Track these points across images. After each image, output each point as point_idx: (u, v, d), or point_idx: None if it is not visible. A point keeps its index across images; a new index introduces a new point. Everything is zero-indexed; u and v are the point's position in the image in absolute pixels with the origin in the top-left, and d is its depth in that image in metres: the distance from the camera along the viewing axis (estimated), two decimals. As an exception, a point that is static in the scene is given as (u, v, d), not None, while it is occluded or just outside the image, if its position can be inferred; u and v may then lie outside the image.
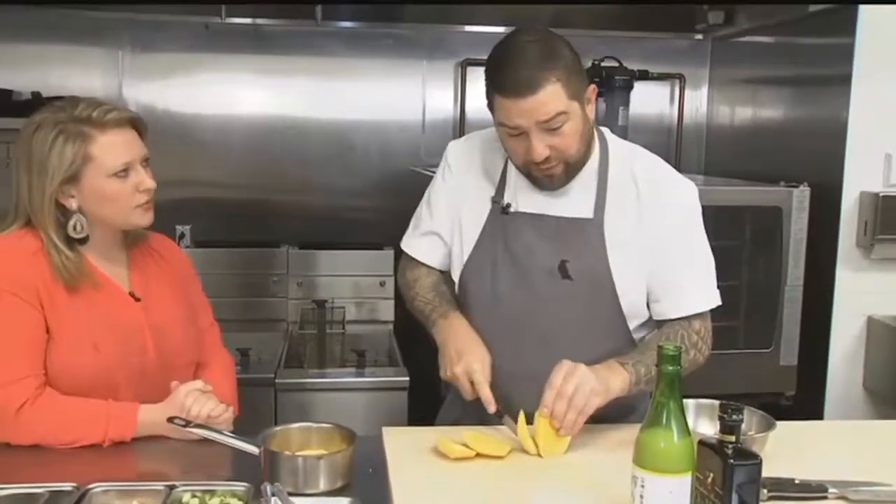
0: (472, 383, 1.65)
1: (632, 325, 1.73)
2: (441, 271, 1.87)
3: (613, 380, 1.60)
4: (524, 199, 1.73)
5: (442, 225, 1.82)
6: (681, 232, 1.70)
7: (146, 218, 1.72)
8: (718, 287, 1.73)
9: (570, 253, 1.68)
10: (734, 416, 1.21)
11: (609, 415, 1.65)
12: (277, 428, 1.52)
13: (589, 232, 1.69)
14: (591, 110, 1.65)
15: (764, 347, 2.84)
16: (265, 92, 3.55)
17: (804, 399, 2.90)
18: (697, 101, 3.77)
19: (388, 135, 3.64)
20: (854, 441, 1.74)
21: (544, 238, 1.71)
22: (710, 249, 1.75)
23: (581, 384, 1.55)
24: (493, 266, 1.74)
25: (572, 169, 1.66)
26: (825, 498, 1.40)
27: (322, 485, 1.42)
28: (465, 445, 1.55)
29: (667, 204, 1.69)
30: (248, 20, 3.52)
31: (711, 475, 1.23)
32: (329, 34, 3.56)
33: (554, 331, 1.70)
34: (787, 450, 1.56)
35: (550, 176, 1.65)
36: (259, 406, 2.83)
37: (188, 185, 3.51)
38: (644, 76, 3.57)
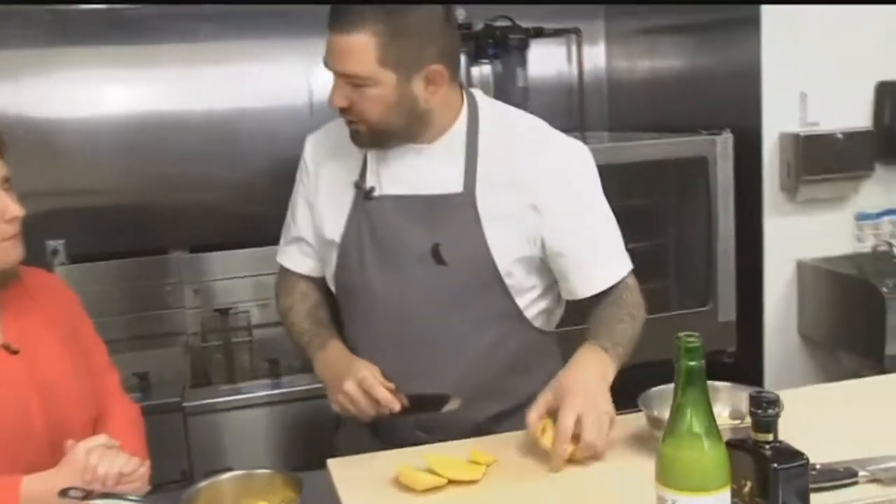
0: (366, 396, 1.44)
1: (522, 303, 1.53)
2: (321, 284, 1.68)
3: (604, 376, 1.41)
4: (388, 180, 1.53)
5: (304, 227, 1.64)
6: (575, 200, 1.52)
7: (15, 253, 1.38)
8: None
9: (443, 234, 1.48)
10: (770, 410, 1.00)
11: None
12: (202, 483, 1.22)
13: (460, 208, 1.48)
14: (431, 91, 1.44)
15: (701, 306, 2.68)
16: (133, 86, 3.15)
17: (744, 354, 2.76)
18: (597, 56, 3.59)
19: (274, 122, 3.28)
20: (834, 408, 1.56)
21: (412, 221, 1.50)
22: (609, 212, 1.56)
23: (601, 419, 1.34)
24: (361, 258, 1.53)
25: (380, 134, 1.47)
26: (856, 483, 1.21)
27: (271, 550, 1.14)
28: (432, 471, 1.29)
29: (553, 171, 1.50)
30: (103, 6, 3.10)
31: (749, 484, 1.01)
32: (201, 16, 3.18)
33: (434, 323, 1.50)
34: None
35: (355, 132, 1.47)
36: (167, 436, 2.49)
37: (55, 196, 3.07)
38: (539, 33, 3.37)
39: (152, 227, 3.19)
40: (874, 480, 1.21)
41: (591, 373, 1.39)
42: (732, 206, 2.69)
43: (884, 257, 2.77)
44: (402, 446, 1.45)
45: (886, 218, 2.85)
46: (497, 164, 1.50)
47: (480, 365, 1.52)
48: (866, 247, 2.83)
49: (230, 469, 2.45)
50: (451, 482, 1.28)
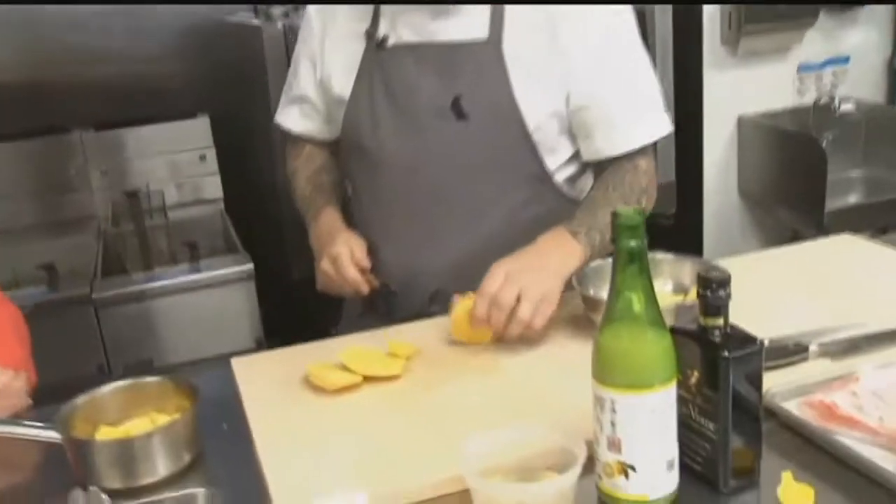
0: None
1: (551, 164, 1.37)
2: (328, 147, 1.53)
3: (564, 262, 1.23)
4: (404, 27, 1.36)
5: (307, 85, 1.47)
6: (610, 49, 1.33)
7: None
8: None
9: (464, 86, 1.31)
10: (720, 292, 0.86)
11: None
12: (80, 399, 1.06)
13: (485, 56, 1.31)
14: None
15: (638, 167, 2.54)
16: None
17: (683, 216, 2.66)
18: None
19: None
20: (779, 275, 1.45)
21: (431, 71, 1.33)
22: (651, 68, 1.38)
23: (526, 290, 1.17)
24: (373, 115, 1.37)
25: None
26: (806, 359, 1.10)
27: (160, 469, 1.00)
28: (345, 369, 1.15)
29: (583, 11, 1.31)
30: None
31: (696, 374, 0.88)
32: None
33: (453, 187, 1.35)
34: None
35: None
36: (80, 331, 2.32)
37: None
38: None
39: (49, 105, 2.90)
40: (825, 355, 1.10)
41: (544, 253, 1.24)
42: (671, 62, 2.52)
43: (825, 110, 2.65)
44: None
45: (829, 68, 2.72)
46: (530, 8, 1.32)
47: (502, 233, 1.35)
48: (808, 100, 2.70)
49: (151, 362, 2.40)
50: (366, 379, 1.14)
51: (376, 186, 1.41)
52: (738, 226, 2.76)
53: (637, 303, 0.83)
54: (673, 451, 0.86)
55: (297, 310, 2.86)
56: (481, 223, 1.36)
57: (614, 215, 0.82)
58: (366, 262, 1.35)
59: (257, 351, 1.48)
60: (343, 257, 1.33)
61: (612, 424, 0.84)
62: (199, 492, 0.92)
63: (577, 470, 0.82)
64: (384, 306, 1.42)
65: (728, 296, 0.86)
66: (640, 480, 0.84)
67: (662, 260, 1.27)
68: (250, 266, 2.48)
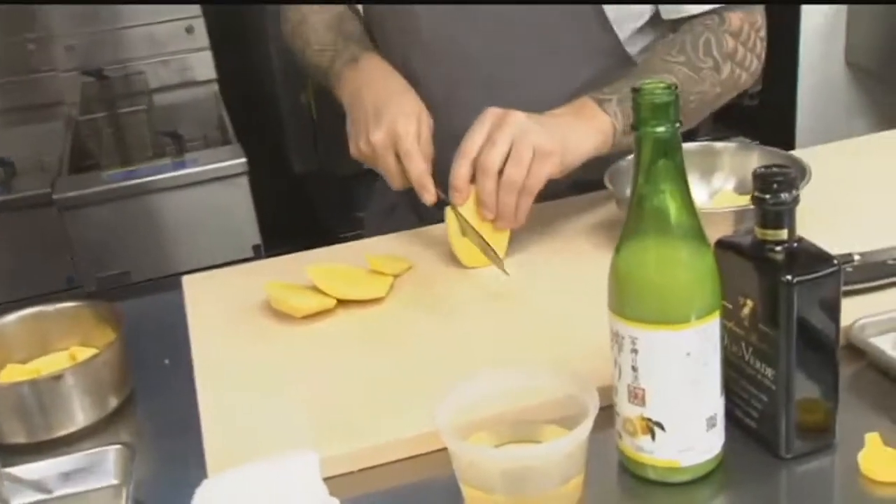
0: (398, 157, 1.16)
1: (624, 33, 1.25)
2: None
3: (582, 129, 1.11)
4: None
5: None
6: None
7: None
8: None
9: None
10: (782, 194, 0.74)
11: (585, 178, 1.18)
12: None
13: None
14: None
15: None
16: None
17: (771, 93, 2.49)
18: None
19: None
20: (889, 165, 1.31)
21: None
22: None
23: (518, 139, 1.06)
24: None
25: None
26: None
27: (79, 418, 0.93)
28: (317, 289, 1.06)
29: None
30: None
31: (750, 303, 0.77)
32: None
33: (503, 63, 1.24)
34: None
35: None
36: (43, 241, 2.28)
37: None
38: None
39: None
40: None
41: (557, 117, 1.12)
42: None
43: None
44: None
45: None
46: None
47: None
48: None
49: (127, 274, 2.36)
50: (340, 303, 1.06)
51: (406, 63, 1.28)
52: (844, 105, 2.58)
53: (666, 210, 0.71)
54: (714, 406, 0.75)
55: (300, 211, 2.80)
56: (537, 109, 1.17)
57: (635, 91, 0.70)
58: (431, 151, 1.18)
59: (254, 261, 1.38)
60: (408, 142, 1.15)
61: (634, 370, 0.74)
62: (111, 449, 0.85)
63: (587, 426, 0.73)
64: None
65: (795, 199, 0.74)
66: (669, 442, 0.75)
67: (723, 150, 1.14)
68: (242, 161, 2.39)
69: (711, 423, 0.75)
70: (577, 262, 1.12)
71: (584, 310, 0.91)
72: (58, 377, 0.92)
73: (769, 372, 0.77)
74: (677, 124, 0.70)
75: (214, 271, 1.23)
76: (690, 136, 1.30)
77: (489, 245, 1.11)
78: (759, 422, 0.79)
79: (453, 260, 1.15)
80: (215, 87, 2.87)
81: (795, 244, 0.75)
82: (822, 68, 2.54)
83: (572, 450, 0.74)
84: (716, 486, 0.77)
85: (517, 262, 1.13)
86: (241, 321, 1.07)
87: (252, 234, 2.44)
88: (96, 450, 0.85)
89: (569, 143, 1.09)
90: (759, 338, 0.77)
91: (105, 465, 0.85)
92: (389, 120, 1.16)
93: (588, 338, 0.88)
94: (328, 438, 0.84)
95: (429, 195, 1.14)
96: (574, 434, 0.73)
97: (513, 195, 1.08)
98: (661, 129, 0.70)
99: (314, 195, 2.85)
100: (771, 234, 0.75)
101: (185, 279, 1.18)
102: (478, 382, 0.79)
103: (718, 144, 1.13)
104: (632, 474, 0.78)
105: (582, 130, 1.11)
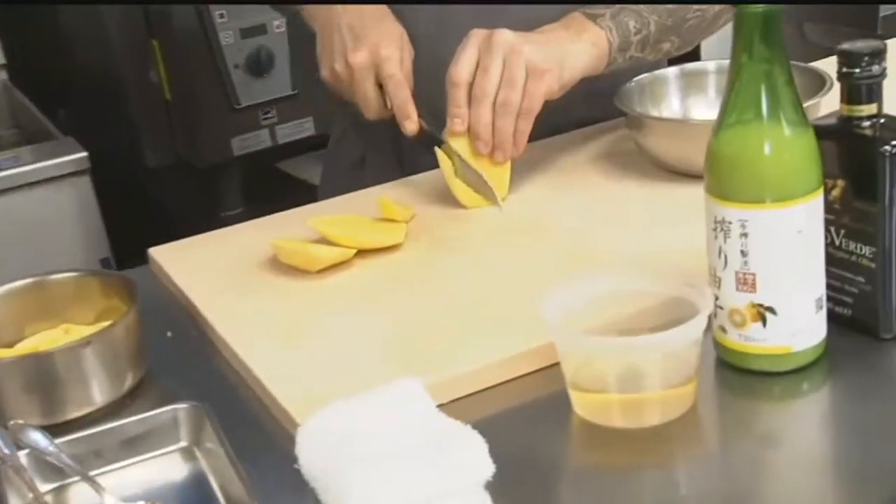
0: (379, 86, 1.22)
1: None
2: None
3: (576, 44, 1.21)
4: None
5: None
6: None
7: None
8: None
9: None
10: (871, 66, 0.87)
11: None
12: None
13: None
14: None
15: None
16: None
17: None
18: None
19: None
20: None
21: None
22: None
23: (510, 60, 1.15)
24: None
25: None
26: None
27: (97, 396, 0.96)
28: (328, 241, 1.13)
29: None
30: None
31: (839, 184, 0.90)
32: None
33: None
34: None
35: None
36: None
37: None
38: None
39: None
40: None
41: (542, 30, 1.22)
42: None
43: None
44: None
45: None
46: None
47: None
48: None
49: None
50: (360, 252, 1.12)
51: None
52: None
53: (773, 86, 0.83)
54: (821, 286, 0.87)
55: (158, 214, 2.77)
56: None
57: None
58: (412, 81, 1.25)
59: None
60: (393, 62, 1.22)
61: (743, 254, 0.85)
62: (182, 408, 0.89)
63: (703, 317, 0.83)
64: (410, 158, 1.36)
65: (882, 73, 0.87)
66: (781, 326, 0.86)
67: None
68: (82, 155, 2.33)
69: (819, 304, 0.87)
70: (588, 190, 1.25)
71: (608, 231, 1.05)
72: (74, 349, 0.94)
73: (867, 251, 0.89)
74: (779, 0, 0.82)
75: (179, 242, 1.26)
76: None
77: (485, 181, 1.21)
78: (854, 307, 0.92)
79: (455, 202, 1.24)
80: (4, 74, 2.83)
81: (882, 119, 0.89)
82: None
83: (691, 342, 0.84)
84: (824, 373, 0.89)
85: (524, 198, 1.24)
86: (244, 281, 1.13)
87: (99, 245, 2.40)
88: (166, 408, 0.90)
89: (564, 59, 1.19)
90: (853, 217, 0.89)
91: (170, 427, 0.89)
92: (372, 42, 1.23)
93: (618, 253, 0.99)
94: (408, 373, 0.90)
95: (411, 123, 1.23)
96: (695, 321, 0.83)
97: (510, 120, 1.17)
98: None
99: (171, 194, 2.81)
100: (860, 110, 0.88)
101: (152, 251, 1.22)
102: (573, 290, 0.89)
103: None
104: (735, 369, 0.89)
105: (576, 45, 1.21)
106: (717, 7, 1.31)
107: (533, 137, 1.22)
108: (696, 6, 1.30)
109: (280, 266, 1.13)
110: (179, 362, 1.05)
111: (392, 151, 1.40)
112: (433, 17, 1.34)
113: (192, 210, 2.73)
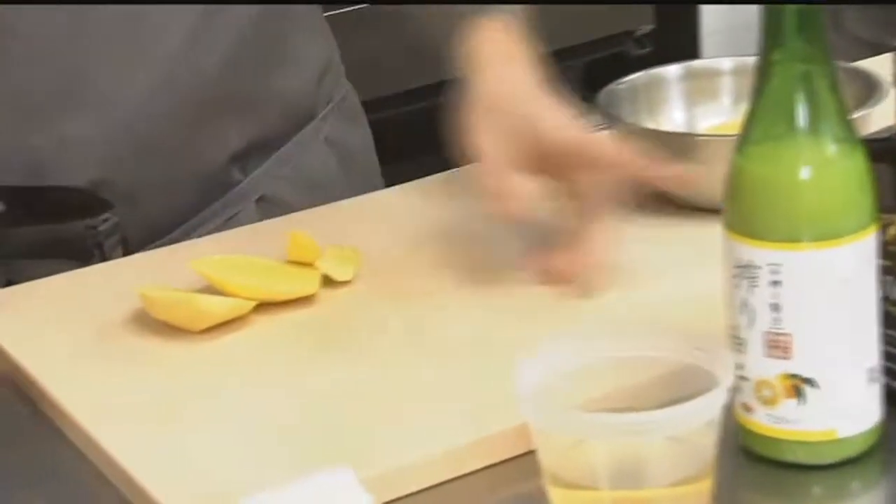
0: None
1: None
2: None
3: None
4: None
5: None
6: None
7: None
8: None
9: None
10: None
11: None
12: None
13: None
14: None
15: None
16: None
17: (667, 37, 2.75)
18: None
19: None
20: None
21: None
22: None
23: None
24: None
25: None
26: None
27: None
28: (216, 291, 1.13)
29: None
30: None
31: (896, 224, 0.90)
32: None
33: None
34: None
35: None
36: None
37: None
38: None
39: None
40: None
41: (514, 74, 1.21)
42: None
43: None
44: None
45: None
46: None
47: None
48: None
49: None
50: (260, 306, 1.12)
51: None
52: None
53: (813, 95, 0.83)
54: (874, 353, 0.86)
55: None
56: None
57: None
58: None
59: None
60: None
61: (774, 309, 0.84)
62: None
63: (723, 389, 0.82)
64: None
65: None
66: (823, 404, 0.85)
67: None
68: None
69: (872, 376, 0.86)
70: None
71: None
72: None
73: (934, 308, 0.89)
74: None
75: (13, 288, 1.26)
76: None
77: None
78: (917, 381, 0.91)
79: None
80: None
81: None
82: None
83: (705, 424, 0.82)
84: (878, 467, 0.88)
85: (489, 235, 1.24)
86: (108, 343, 1.12)
87: None
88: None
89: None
90: (915, 267, 0.89)
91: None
92: None
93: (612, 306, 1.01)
94: (326, 465, 0.88)
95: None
96: (711, 397, 0.81)
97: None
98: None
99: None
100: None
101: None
102: (555, 354, 0.87)
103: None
104: (763, 461, 0.88)
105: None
106: None
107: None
108: None
109: (151, 323, 1.12)
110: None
111: None
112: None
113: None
